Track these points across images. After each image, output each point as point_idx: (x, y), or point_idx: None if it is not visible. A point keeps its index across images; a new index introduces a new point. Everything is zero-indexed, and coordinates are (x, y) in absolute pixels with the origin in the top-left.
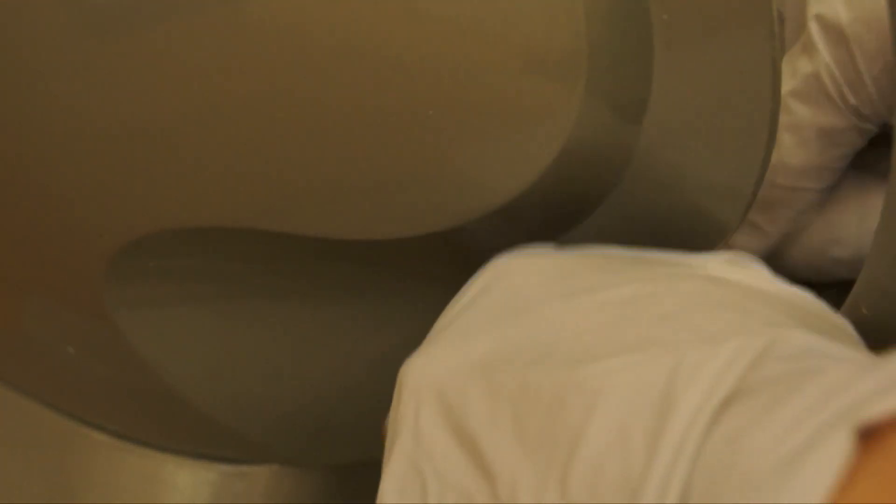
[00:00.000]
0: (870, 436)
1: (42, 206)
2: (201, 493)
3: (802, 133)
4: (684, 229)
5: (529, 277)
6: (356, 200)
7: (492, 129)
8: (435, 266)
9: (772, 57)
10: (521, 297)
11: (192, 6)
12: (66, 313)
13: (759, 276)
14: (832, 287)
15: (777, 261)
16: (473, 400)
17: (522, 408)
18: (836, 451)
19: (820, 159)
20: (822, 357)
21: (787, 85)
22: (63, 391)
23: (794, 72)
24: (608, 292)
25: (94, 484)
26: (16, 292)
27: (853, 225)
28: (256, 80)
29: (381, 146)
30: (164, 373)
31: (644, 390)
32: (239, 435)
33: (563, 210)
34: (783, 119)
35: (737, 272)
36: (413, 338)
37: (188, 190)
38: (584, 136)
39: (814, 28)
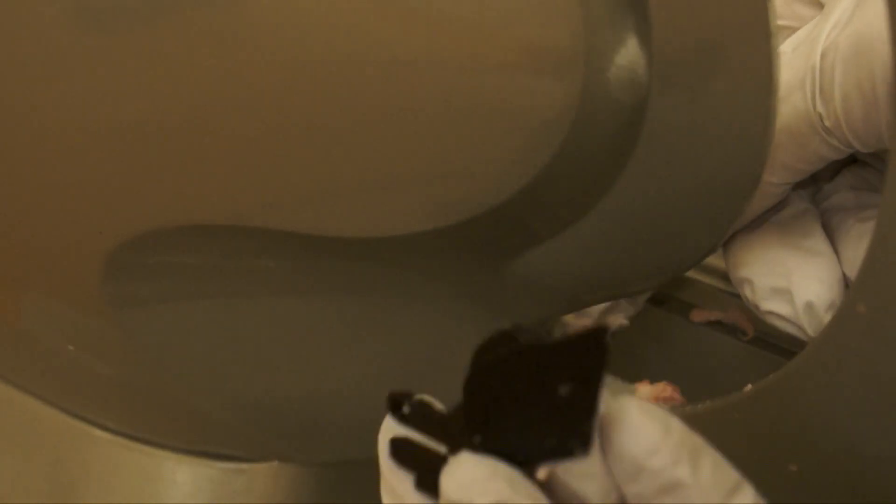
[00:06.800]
0: None
1: (42, 203)
2: (201, 490)
3: None
4: (673, 237)
5: None
6: (354, 198)
7: (491, 128)
8: (432, 263)
9: (770, 61)
10: None
11: (193, 3)
12: (66, 310)
13: None
14: None
15: None
16: None
17: None
18: None
19: (783, 155)
20: None
21: None
22: (63, 388)
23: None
24: None
25: (94, 481)
26: (16, 289)
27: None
28: (256, 79)
29: (380, 144)
30: (164, 370)
31: None
32: (239, 432)
33: (559, 210)
34: None
35: None
36: (410, 335)
37: (188, 187)
38: (581, 136)
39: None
